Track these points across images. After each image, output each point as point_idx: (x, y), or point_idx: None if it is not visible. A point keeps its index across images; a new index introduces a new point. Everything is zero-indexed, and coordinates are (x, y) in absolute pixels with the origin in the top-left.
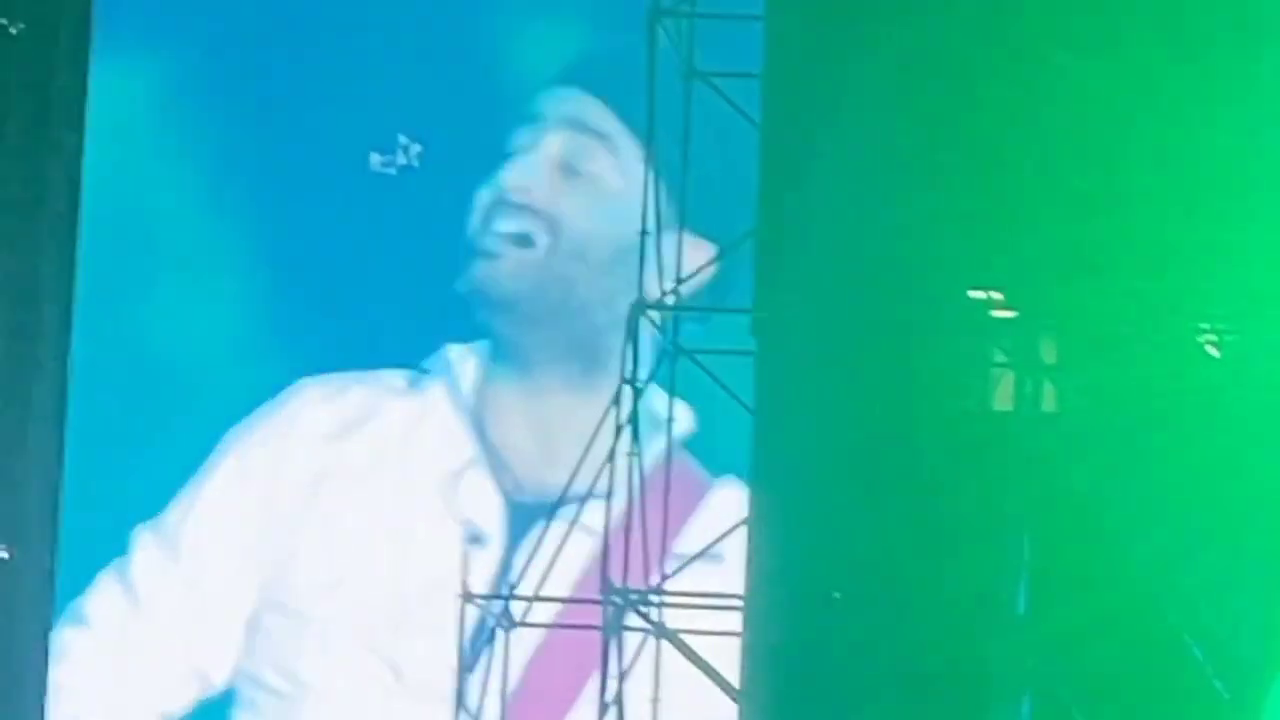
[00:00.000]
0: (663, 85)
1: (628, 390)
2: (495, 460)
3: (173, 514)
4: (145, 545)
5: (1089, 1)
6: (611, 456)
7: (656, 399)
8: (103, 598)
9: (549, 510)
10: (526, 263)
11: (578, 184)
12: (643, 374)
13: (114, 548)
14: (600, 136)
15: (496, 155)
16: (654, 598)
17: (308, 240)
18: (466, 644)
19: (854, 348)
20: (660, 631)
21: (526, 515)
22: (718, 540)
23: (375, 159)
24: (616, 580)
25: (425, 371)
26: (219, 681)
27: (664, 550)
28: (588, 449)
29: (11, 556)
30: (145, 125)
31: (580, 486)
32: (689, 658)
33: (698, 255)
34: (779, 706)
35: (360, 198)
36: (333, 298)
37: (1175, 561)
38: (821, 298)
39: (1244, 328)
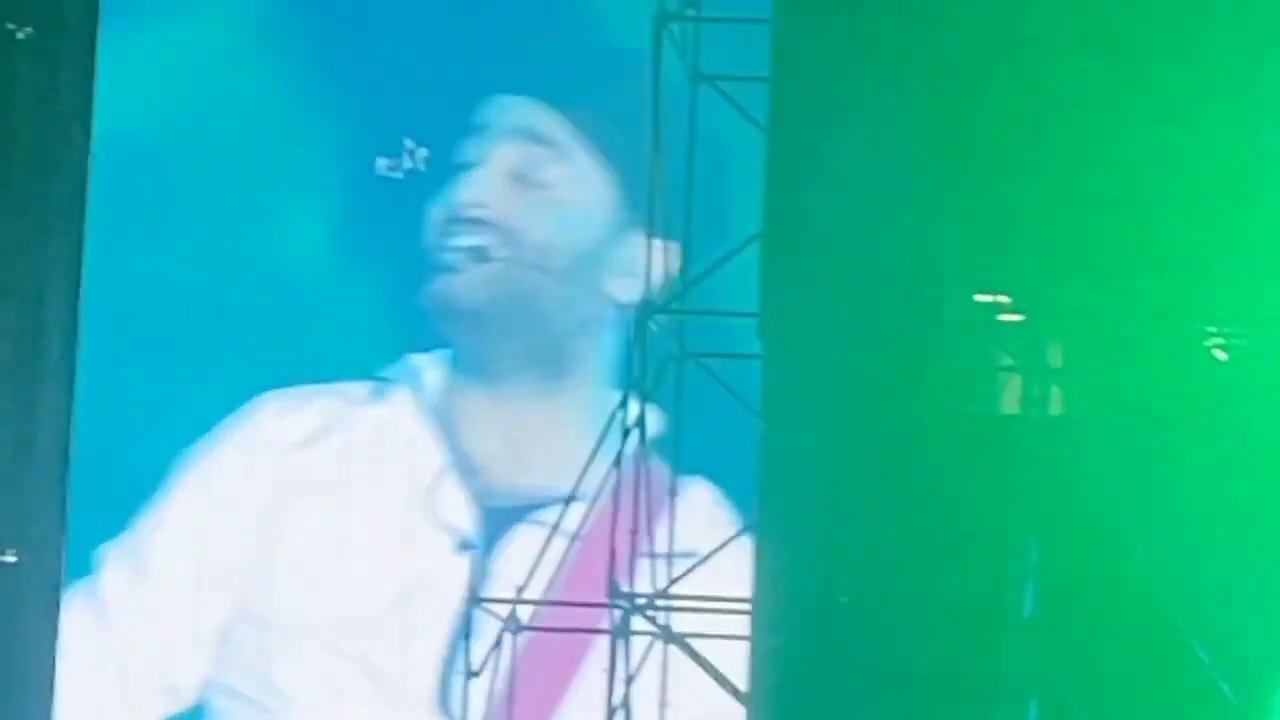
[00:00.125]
0: (620, 87)
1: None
2: (464, 466)
3: (139, 531)
4: (112, 563)
5: (1095, 5)
6: (618, 461)
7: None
8: (71, 617)
9: (560, 510)
10: (486, 276)
11: (532, 194)
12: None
13: None
14: (551, 144)
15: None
16: (661, 602)
17: (313, 244)
18: (473, 650)
19: (860, 351)
20: (667, 635)
21: (500, 520)
22: (722, 545)
23: (381, 163)
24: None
25: (386, 380)
26: (190, 696)
27: (648, 552)
28: (594, 451)
29: (18, 560)
30: (152, 129)
31: (560, 490)
32: (697, 661)
33: (658, 256)
34: (786, 710)
35: (365, 201)
36: (334, 302)
37: (1182, 565)
38: (828, 301)
39: (1251, 331)
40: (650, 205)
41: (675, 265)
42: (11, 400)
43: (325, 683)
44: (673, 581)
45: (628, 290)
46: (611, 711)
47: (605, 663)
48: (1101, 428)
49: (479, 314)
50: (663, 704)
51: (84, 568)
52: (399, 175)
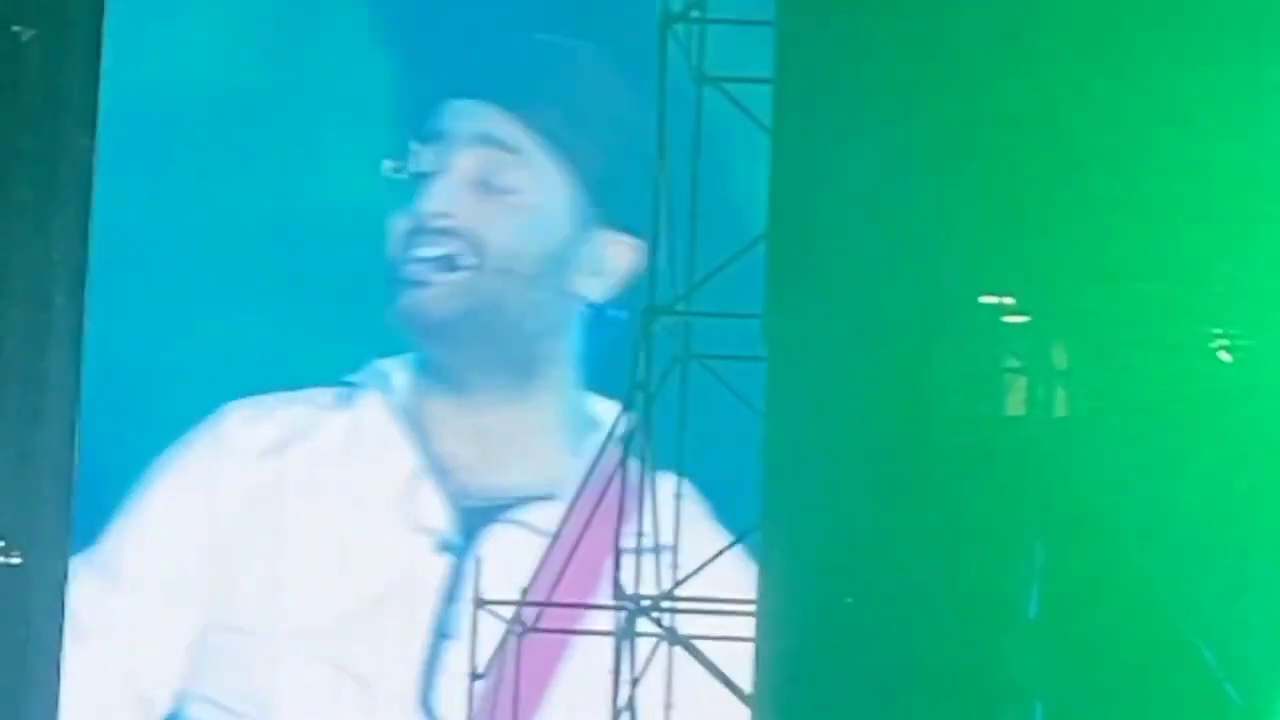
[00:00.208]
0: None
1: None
2: (437, 468)
3: (108, 543)
4: (82, 576)
5: (1102, 7)
6: (623, 463)
7: (593, 401)
8: None
9: (566, 511)
10: (456, 286)
11: (496, 200)
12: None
13: None
14: (511, 148)
15: None
16: (666, 603)
17: (319, 245)
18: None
19: (865, 353)
20: (672, 637)
21: (477, 520)
22: (727, 548)
23: (388, 165)
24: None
25: (353, 385)
26: (164, 706)
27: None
28: (600, 452)
29: (24, 562)
30: (157, 130)
31: (534, 488)
32: (702, 663)
33: (623, 251)
34: (790, 712)
35: (369, 204)
36: (333, 305)
37: (1187, 566)
38: (833, 303)
39: (1255, 334)
40: (655, 207)
41: (625, 256)
42: (17, 402)
43: (306, 687)
44: (678, 583)
45: (596, 288)
46: (617, 714)
47: (610, 665)
48: (1106, 429)
49: (451, 325)
50: (668, 706)
51: None
52: (404, 176)
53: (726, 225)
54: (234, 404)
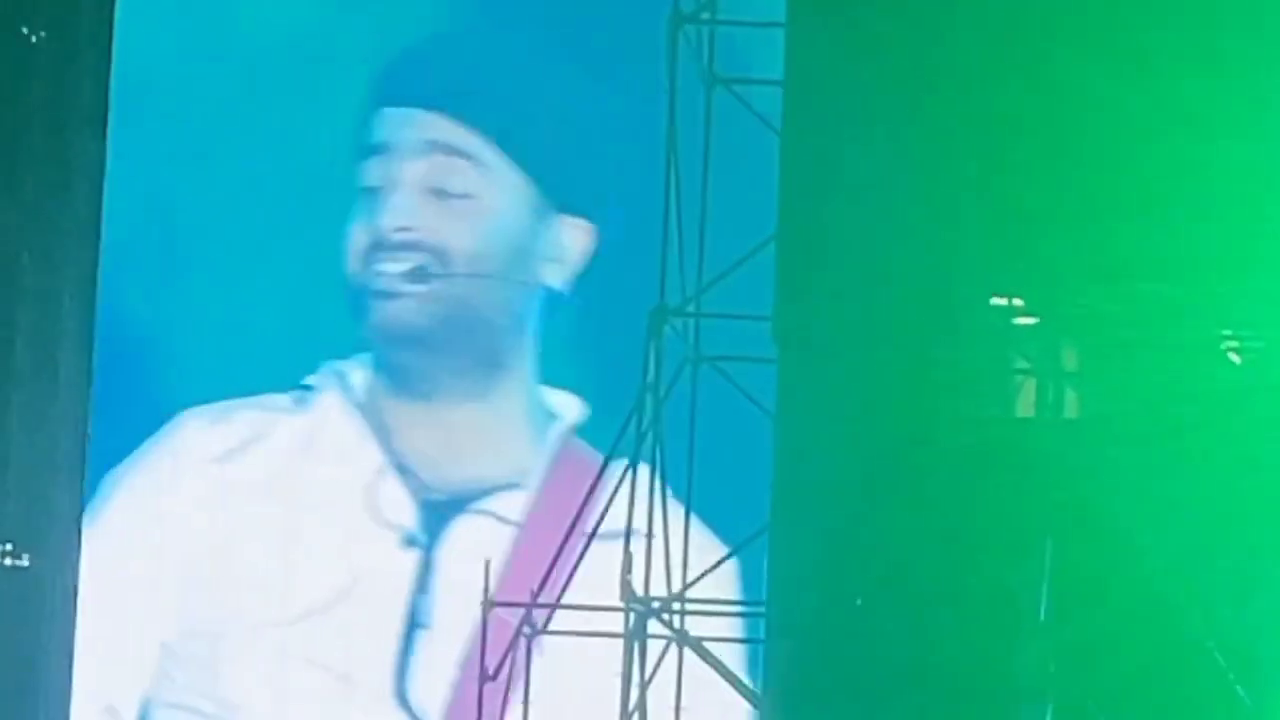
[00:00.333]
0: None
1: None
2: (400, 465)
3: None
4: None
5: (1110, 10)
6: (633, 463)
7: (548, 392)
8: None
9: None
10: (426, 296)
11: (453, 207)
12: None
13: None
14: (459, 152)
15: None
16: (676, 605)
17: (324, 246)
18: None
19: (875, 355)
20: (682, 639)
21: (441, 513)
22: (735, 550)
23: None
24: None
25: (310, 388)
26: (130, 716)
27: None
28: (608, 454)
29: (32, 564)
30: (167, 132)
31: (498, 479)
32: (712, 665)
33: (578, 235)
34: (800, 713)
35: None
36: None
37: (1197, 567)
38: (843, 304)
39: (1265, 335)
40: (665, 209)
41: (580, 239)
42: (27, 404)
43: (280, 685)
44: (688, 585)
45: (556, 275)
46: (628, 715)
47: (619, 667)
48: (1116, 431)
49: (425, 333)
50: (678, 708)
51: None
52: None
53: (736, 227)
54: (188, 411)
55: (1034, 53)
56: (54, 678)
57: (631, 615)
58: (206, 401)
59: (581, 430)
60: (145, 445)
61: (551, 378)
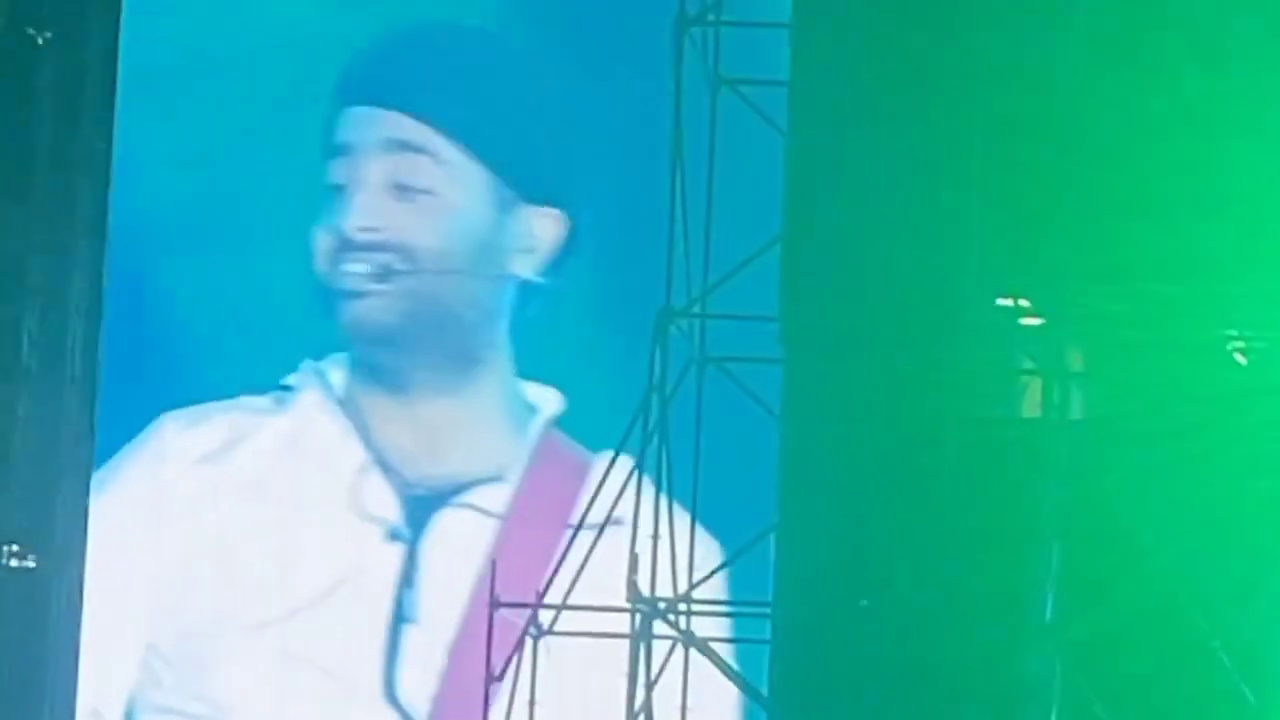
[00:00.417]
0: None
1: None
2: (382, 461)
3: None
4: None
5: (1115, 11)
6: (640, 463)
7: (526, 386)
8: None
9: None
10: (394, 295)
11: (416, 204)
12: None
13: None
14: (419, 149)
15: None
16: (682, 605)
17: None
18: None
19: (881, 355)
20: (688, 639)
21: (424, 508)
22: (742, 550)
23: None
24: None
25: (289, 389)
26: (115, 718)
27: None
28: (615, 455)
29: (38, 565)
30: (172, 132)
31: (478, 473)
32: (718, 665)
33: (547, 224)
34: (807, 713)
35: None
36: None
37: (1202, 568)
38: (848, 305)
39: (1271, 335)
40: (671, 210)
41: (549, 228)
42: (34, 405)
43: (268, 683)
44: (694, 585)
45: (527, 265)
46: (633, 716)
47: (625, 667)
48: (1122, 431)
49: (396, 331)
50: (684, 708)
51: None
52: None
53: (742, 228)
54: (168, 415)
55: (1039, 54)
56: (60, 678)
57: (638, 616)
58: (186, 404)
59: (586, 431)
60: (125, 450)
61: (553, 378)
